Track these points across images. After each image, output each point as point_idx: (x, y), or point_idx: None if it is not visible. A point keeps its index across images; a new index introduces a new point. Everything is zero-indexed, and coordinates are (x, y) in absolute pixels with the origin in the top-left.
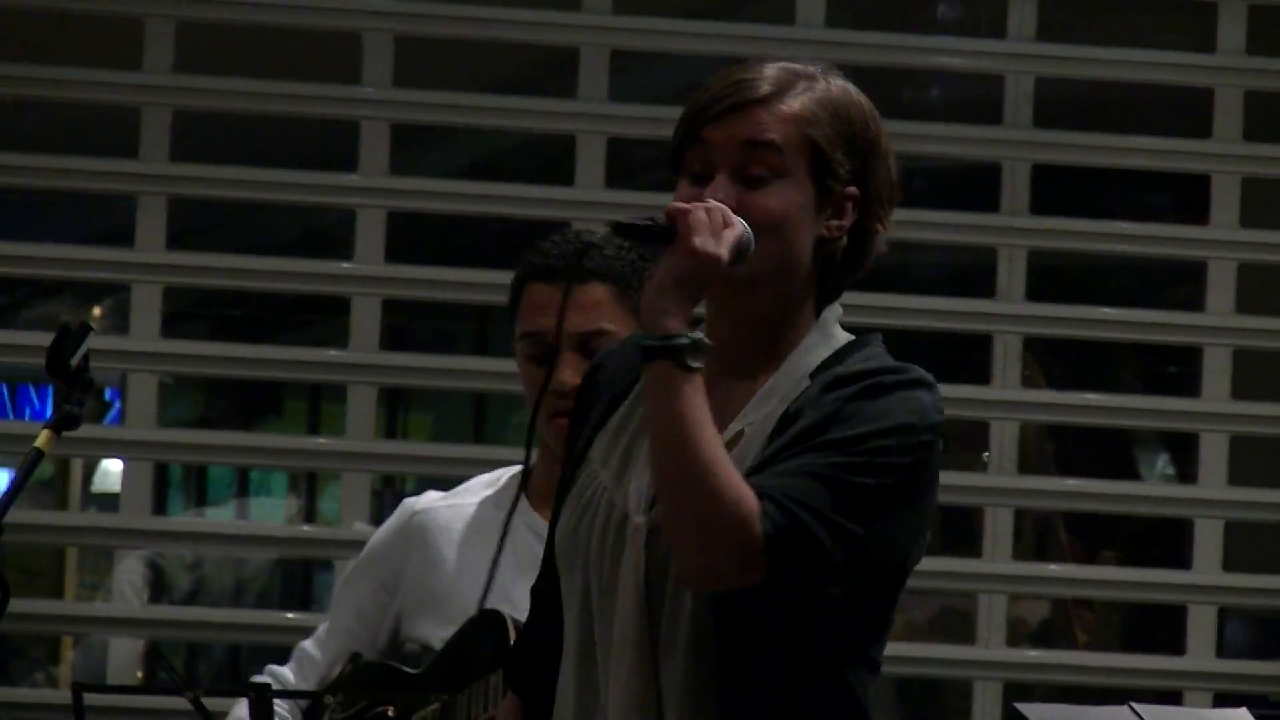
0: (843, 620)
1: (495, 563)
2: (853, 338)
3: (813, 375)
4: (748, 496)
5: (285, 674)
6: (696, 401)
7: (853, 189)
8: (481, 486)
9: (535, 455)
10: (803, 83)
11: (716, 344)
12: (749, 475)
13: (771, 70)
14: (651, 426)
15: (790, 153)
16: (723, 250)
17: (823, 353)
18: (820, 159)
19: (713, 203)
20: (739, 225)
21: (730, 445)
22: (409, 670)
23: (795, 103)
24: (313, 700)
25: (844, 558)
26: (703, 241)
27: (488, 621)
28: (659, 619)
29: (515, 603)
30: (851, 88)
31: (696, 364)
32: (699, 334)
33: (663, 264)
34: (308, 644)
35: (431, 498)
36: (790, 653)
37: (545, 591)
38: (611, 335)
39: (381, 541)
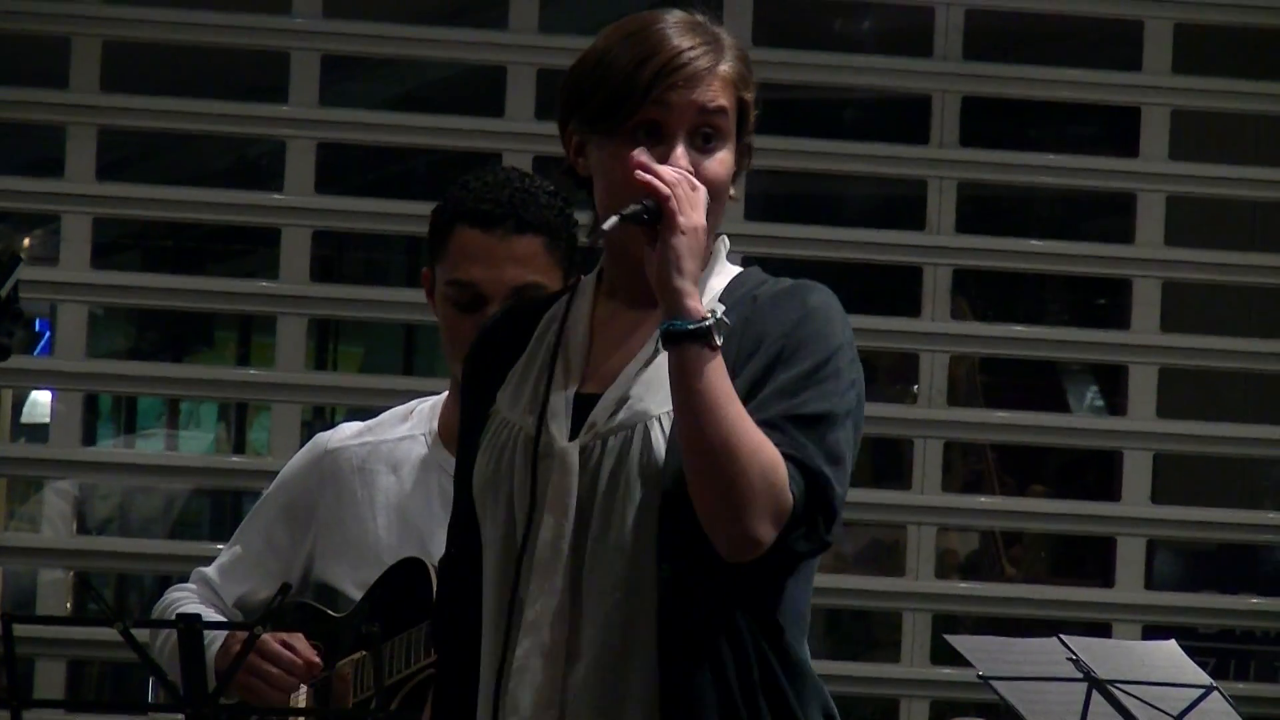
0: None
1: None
2: (740, 268)
3: (721, 300)
4: (780, 463)
5: (194, 597)
6: (724, 379)
7: (750, 136)
8: (395, 420)
9: (448, 395)
10: (719, 39)
11: (619, 282)
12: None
13: (698, 30)
14: (685, 406)
15: (730, 115)
16: (703, 218)
17: (723, 280)
18: (744, 115)
19: (682, 174)
20: (702, 187)
21: (645, 366)
22: (333, 614)
23: (728, 66)
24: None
25: (841, 505)
26: (690, 216)
27: (410, 570)
28: (585, 535)
29: (430, 547)
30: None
31: (719, 343)
32: (719, 313)
33: (663, 247)
34: (209, 570)
35: (345, 434)
36: (733, 571)
37: (459, 561)
38: (541, 287)
39: (293, 476)
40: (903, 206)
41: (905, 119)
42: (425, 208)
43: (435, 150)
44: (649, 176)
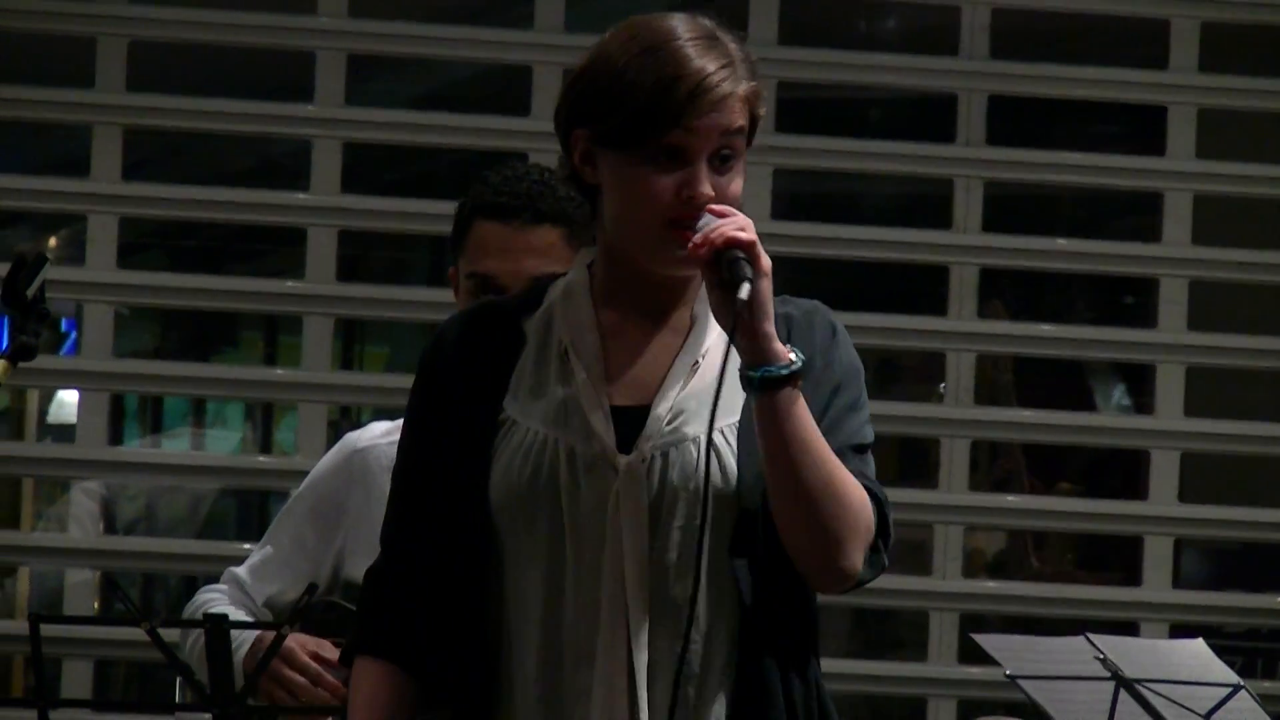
0: None
1: None
2: None
3: None
4: (866, 495)
5: (224, 598)
6: (810, 416)
7: None
8: None
9: None
10: (733, 56)
11: (617, 288)
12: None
13: (717, 48)
14: (782, 452)
15: (746, 132)
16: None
17: None
18: (754, 128)
19: (739, 215)
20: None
21: (691, 375)
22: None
23: (744, 85)
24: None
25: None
26: (765, 257)
27: None
28: (652, 553)
29: None
30: (737, 38)
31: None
32: (801, 353)
33: (753, 294)
34: (240, 570)
35: (374, 433)
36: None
37: (401, 572)
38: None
39: (323, 476)
40: (929, 205)
41: (931, 118)
42: (450, 207)
43: (461, 150)
44: (730, 231)
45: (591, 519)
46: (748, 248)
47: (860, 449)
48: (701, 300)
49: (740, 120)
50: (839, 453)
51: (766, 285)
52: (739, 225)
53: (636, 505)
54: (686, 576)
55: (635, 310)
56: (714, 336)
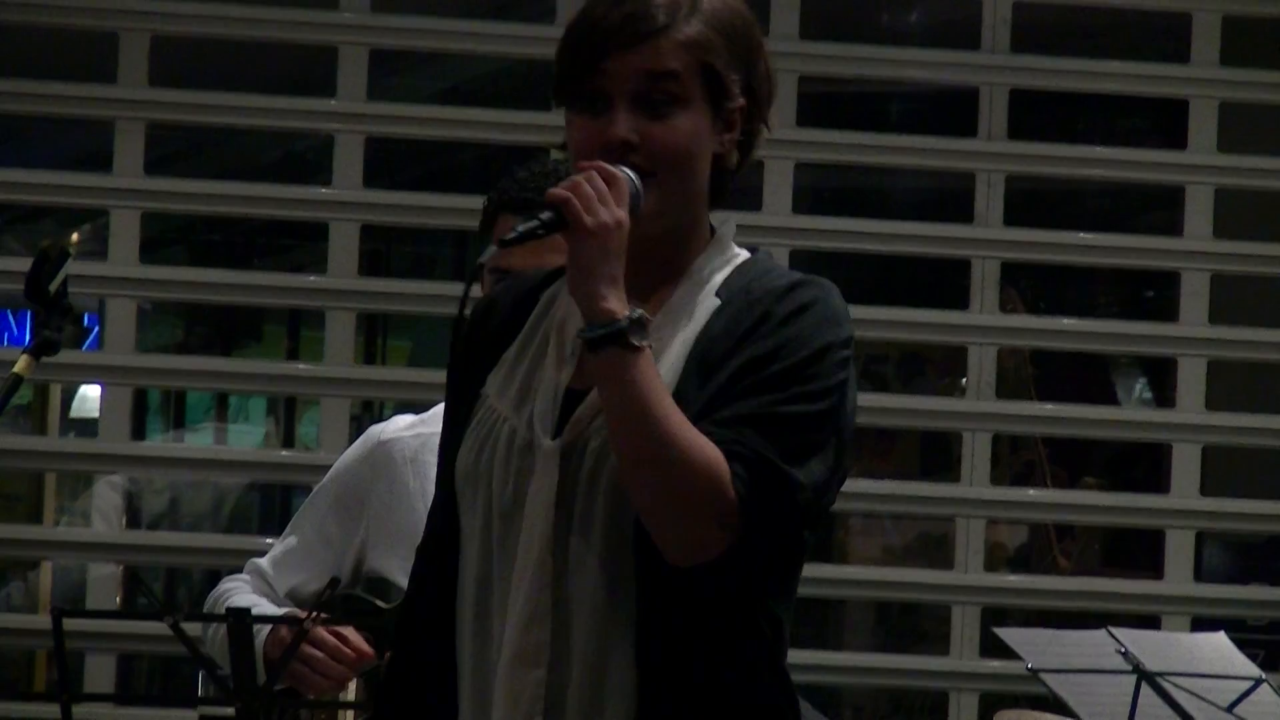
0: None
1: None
2: (746, 254)
3: (718, 294)
4: (718, 462)
5: (247, 587)
6: (650, 378)
7: (742, 101)
8: None
9: None
10: (698, 2)
11: None
12: (699, 416)
13: None
14: (611, 413)
15: (688, 80)
16: (622, 213)
17: (724, 270)
18: (716, 81)
19: (592, 169)
20: (621, 176)
21: None
22: (383, 605)
23: (689, 28)
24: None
25: (807, 502)
26: (597, 218)
27: None
28: (567, 537)
29: None
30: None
31: (642, 341)
32: (639, 311)
33: (571, 253)
34: (263, 561)
35: (398, 425)
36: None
37: (433, 555)
38: None
39: (346, 468)
40: (951, 199)
41: (953, 112)
42: (473, 201)
43: (483, 144)
44: (556, 189)
45: (513, 505)
46: (560, 204)
47: (766, 419)
48: (688, 281)
49: (670, 64)
50: (725, 421)
51: (589, 244)
52: (571, 183)
53: (546, 493)
54: (590, 570)
55: (627, 291)
56: (696, 319)
